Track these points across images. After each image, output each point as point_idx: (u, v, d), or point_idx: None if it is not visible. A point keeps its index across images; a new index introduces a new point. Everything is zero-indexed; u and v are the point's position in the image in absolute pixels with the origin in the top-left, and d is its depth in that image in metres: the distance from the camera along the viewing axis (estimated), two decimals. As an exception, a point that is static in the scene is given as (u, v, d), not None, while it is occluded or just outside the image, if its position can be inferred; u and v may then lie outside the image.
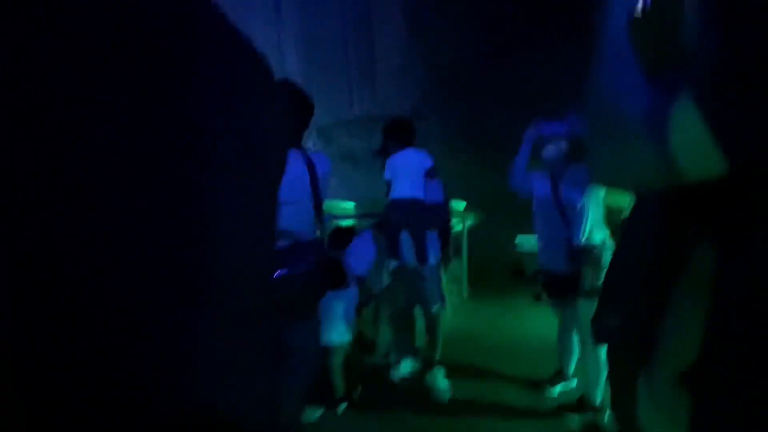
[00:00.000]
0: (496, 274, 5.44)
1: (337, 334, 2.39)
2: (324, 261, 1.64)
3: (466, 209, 5.15)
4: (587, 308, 2.25)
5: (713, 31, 0.48)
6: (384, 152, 2.77)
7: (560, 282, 2.44)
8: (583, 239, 2.31)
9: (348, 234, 2.97)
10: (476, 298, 4.81)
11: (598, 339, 1.04)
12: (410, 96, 10.10)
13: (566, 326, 2.61)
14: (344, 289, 2.27)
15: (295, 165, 1.59)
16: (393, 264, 2.77)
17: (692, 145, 0.46)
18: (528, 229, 3.04)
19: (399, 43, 9.99)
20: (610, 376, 0.87)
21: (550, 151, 2.45)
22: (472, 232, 5.09)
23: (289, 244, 1.54)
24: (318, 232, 1.64)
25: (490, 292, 4.93)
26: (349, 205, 6.41)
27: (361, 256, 2.86)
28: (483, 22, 9.15)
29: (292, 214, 1.55)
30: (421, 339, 3.11)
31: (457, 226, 4.78)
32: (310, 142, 10.06)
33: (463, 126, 9.43)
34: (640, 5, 0.62)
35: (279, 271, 1.43)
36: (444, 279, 2.94)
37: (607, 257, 2.31)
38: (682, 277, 0.62)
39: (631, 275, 0.78)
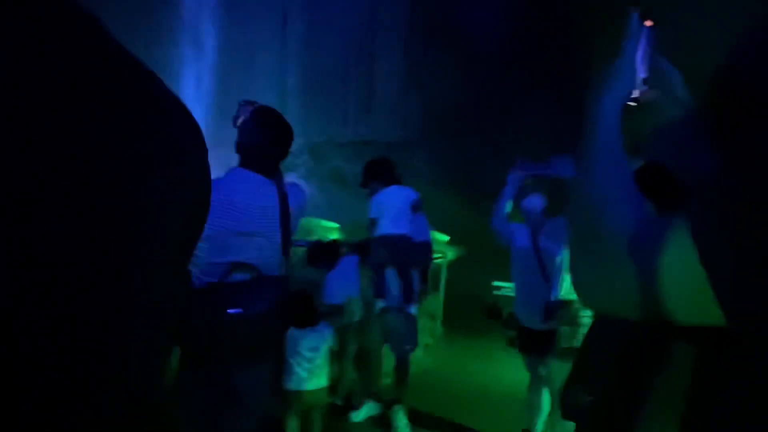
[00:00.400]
0: (472, 312, 5.38)
1: (311, 377, 2.15)
2: (288, 299, 1.52)
3: (448, 243, 5.12)
4: (560, 368, 2.18)
5: (722, 160, 0.43)
6: (368, 191, 2.78)
7: (535, 339, 2.38)
8: (561, 294, 2.27)
9: (331, 250, 2.86)
10: (450, 337, 4.72)
11: (566, 414, 0.99)
12: (402, 126, 10.30)
13: (538, 383, 2.52)
14: (311, 327, 2.13)
15: (263, 195, 1.50)
16: (380, 304, 2.69)
17: (685, 288, 0.39)
18: (507, 272, 2.99)
19: (397, 75, 10.25)
20: None
21: (529, 202, 2.44)
22: (451, 266, 5.04)
23: (250, 279, 1.43)
24: (283, 268, 1.54)
25: (463, 332, 4.84)
26: (333, 226, 6.33)
27: (343, 282, 2.77)
28: (476, 72, 9.47)
29: (256, 247, 1.46)
30: (386, 379, 3.00)
31: (438, 258, 4.74)
32: (300, 159, 10.07)
33: (451, 161, 9.60)
34: (636, 91, 0.57)
35: (232, 310, 1.35)
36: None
37: (584, 315, 2.26)
38: (660, 371, 0.57)
39: (605, 357, 0.72)
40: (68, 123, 0.32)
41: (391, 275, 2.65)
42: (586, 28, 7.89)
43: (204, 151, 0.45)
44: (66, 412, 0.31)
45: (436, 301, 4.71)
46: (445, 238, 5.15)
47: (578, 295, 0.53)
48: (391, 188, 2.68)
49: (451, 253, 5.10)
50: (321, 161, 10.15)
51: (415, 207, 2.67)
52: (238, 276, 1.42)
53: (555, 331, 2.27)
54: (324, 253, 2.84)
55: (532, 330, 2.39)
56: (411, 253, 2.63)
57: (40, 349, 0.30)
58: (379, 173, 2.72)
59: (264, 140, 1.54)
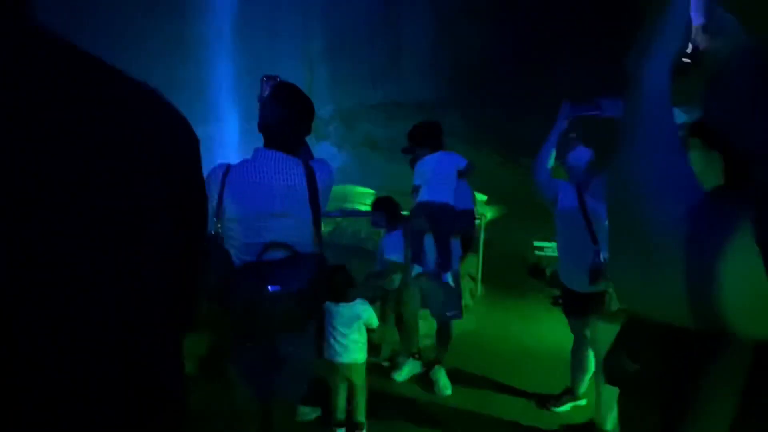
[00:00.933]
0: (513, 272, 5.29)
1: (345, 351, 2.18)
2: (323, 274, 1.53)
3: (486, 203, 4.99)
4: (607, 330, 2.10)
5: None
6: (413, 157, 2.71)
7: (581, 301, 2.28)
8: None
9: (393, 210, 2.84)
10: (490, 298, 4.67)
11: (610, 380, 0.96)
12: (433, 87, 9.91)
13: (582, 343, 2.45)
14: (346, 302, 2.16)
15: (290, 174, 1.51)
16: (417, 269, 2.66)
17: (752, 296, 0.32)
18: (548, 233, 2.88)
19: (425, 35, 9.78)
20: (621, 415, 0.81)
21: (575, 157, 2.28)
22: (489, 226, 4.93)
23: (286, 257, 1.47)
24: (317, 245, 1.55)
25: (504, 293, 4.78)
26: (368, 191, 6.31)
27: (398, 243, 2.75)
28: (508, 24, 8.86)
29: (289, 226, 1.49)
30: (424, 341, 3.02)
31: (486, 211, 4.64)
32: (332, 126, 9.99)
33: (486, 119, 9.21)
34: (691, 46, 0.45)
35: (272, 287, 1.39)
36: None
37: None
38: (711, 370, 0.50)
39: (653, 329, 0.65)
40: (68, 126, 0.35)
41: (429, 242, 2.61)
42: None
43: (197, 154, 0.49)
44: (66, 412, 0.32)
45: (475, 262, 4.65)
46: (483, 197, 5.01)
47: (618, 296, 0.45)
48: (438, 154, 2.60)
49: (489, 213, 4.98)
50: (352, 127, 10.04)
51: (463, 174, 2.59)
52: (275, 254, 1.46)
53: (602, 293, 2.15)
54: (388, 213, 2.83)
55: (578, 292, 2.29)
56: (452, 222, 2.57)
57: (41, 349, 0.31)
58: (426, 139, 2.64)
59: (286, 117, 1.53)
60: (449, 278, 2.62)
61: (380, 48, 9.91)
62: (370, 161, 9.25)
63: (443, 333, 2.82)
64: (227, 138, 9.04)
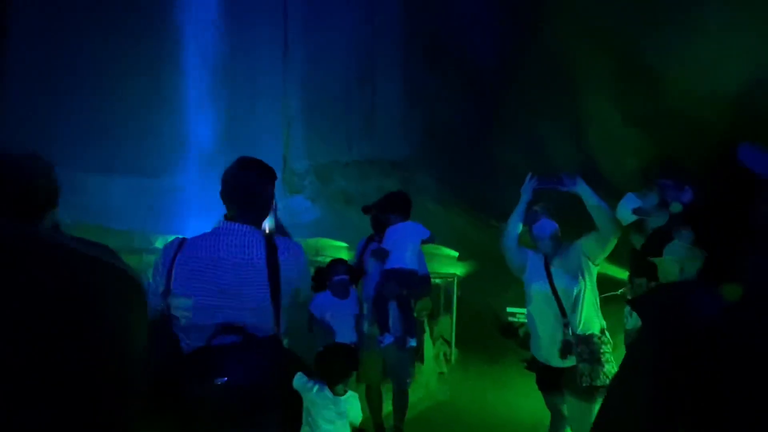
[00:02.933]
0: (486, 332, 5.20)
1: None
2: (282, 362, 1.36)
3: (458, 259, 4.99)
4: (583, 407, 2.04)
5: None
6: (378, 225, 2.85)
7: (554, 376, 2.21)
8: (579, 330, 2.13)
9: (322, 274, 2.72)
10: (464, 363, 4.53)
11: None
12: (406, 144, 10.31)
13: (559, 421, 2.33)
14: (338, 395, 1.85)
15: (248, 248, 1.37)
16: (387, 339, 2.61)
17: None
18: (520, 291, 2.85)
19: (398, 95, 10.31)
20: None
21: (540, 228, 2.30)
22: (461, 284, 4.89)
23: (238, 341, 1.29)
24: (275, 328, 1.36)
25: (478, 356, 4.66)
26: (342, 245, 6.23)
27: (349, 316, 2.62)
28: (480, 83, 9.50)
29: (244, 306, 1.33)
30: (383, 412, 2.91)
31: (453, 269, 4.60)
32: (307, 181, 10.05)
33: (456, 179, 9.52)
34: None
35: (219, 379, 1.21)
36: (428, 340, 2.79)
37: (604, 350, 2.12)
38: None
39: (637, 418, 0.61)
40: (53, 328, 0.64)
41: (393, 308, 2.65)
42: (581, 49, 7.90)
43: (143, 310, 0.79)
44: None
45: (449, 323, 4.55)
46: (455, 254, 5.01)
47: None
48: (408, 223, 2.76)
49: (460, 270, 4.97)
50: (327, 182, 10.13)
51: (425, 243, 2.77)
52: (226, 338, 1.29)
53: (574, 367, 2.09)
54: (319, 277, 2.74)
55: (551, 366, 2.22)
56: (416, 287, 2.71)
57: None
58: (398, 207, 2.80)
59: (247, 183, 1.44)
60: (414, 343, 2.67)
61: (355, 108, 10.32)
62: (344, 215, 9.25)
63: (402, 399, 2.79)
64: (203, 193, 8.91)
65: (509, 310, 5.20)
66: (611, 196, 2.35)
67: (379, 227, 2.84)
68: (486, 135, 9.36)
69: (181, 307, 1.34)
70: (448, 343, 4.52)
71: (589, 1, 7.73)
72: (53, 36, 7.70)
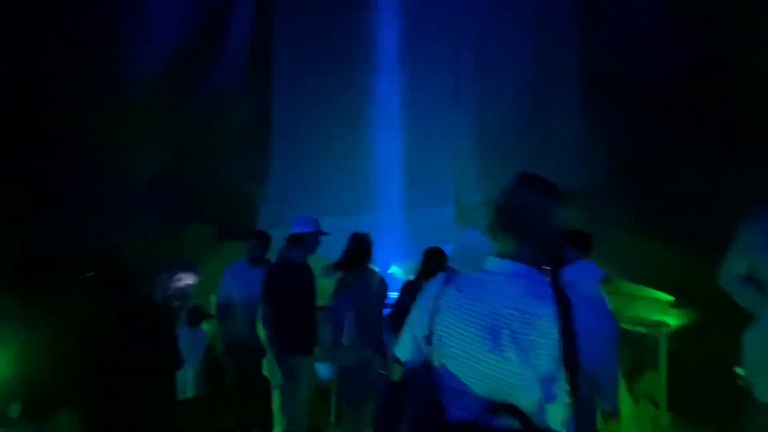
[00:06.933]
0: (710, 394, 4.13)
1: None
2: None
3: (672, 305, 4.17)
4: None
5: None
6: (558, 261, 2.78)
7: None
8: None
9: None
10: (679, 429, 3.68)
11: None
12: (585, 172, 9.37)
13: None
14: None
15: (532, 298, 1.06)
16: None
17: None
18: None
19: (575, 122, 9.56)
20: None
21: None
22: (676, 336, 4.05)
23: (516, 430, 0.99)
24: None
25: (699, 422, 3.73)
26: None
27: None
28: (663, 111, 8.13)
29: (518, 380, 1.01)
30: None
31: (662, 315, 3.92)
32: (480, 214, 10.08)
33: (648, 208, 8.17)
34: None
35: None
36: (626, 396, 2.42)
37: None
38: None
39: None
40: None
41: None
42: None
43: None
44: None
45: (657, 381, 3.79)
46: (666, 297, 4.22)
47: None
48: (586, 262, 2.70)
49: (674, 319, 4.14)
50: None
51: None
52: (499, 421, 1.00)
53: None
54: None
55: None
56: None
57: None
58: (579, 242, 2.74)
59: (522, 209, 1.16)
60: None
61: (529, 140, 10.08)
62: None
63: None
64: (390, 228, 10.12)
65: (739, 371, 4.04)
66: None
67: (556, 262, 2.70)
68: (679, 161, 7.87)
69: (441, 364, 1.07)
70: (657, 404, 3.76)
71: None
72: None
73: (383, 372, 2.47)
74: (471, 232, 9.78)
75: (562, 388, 0.97)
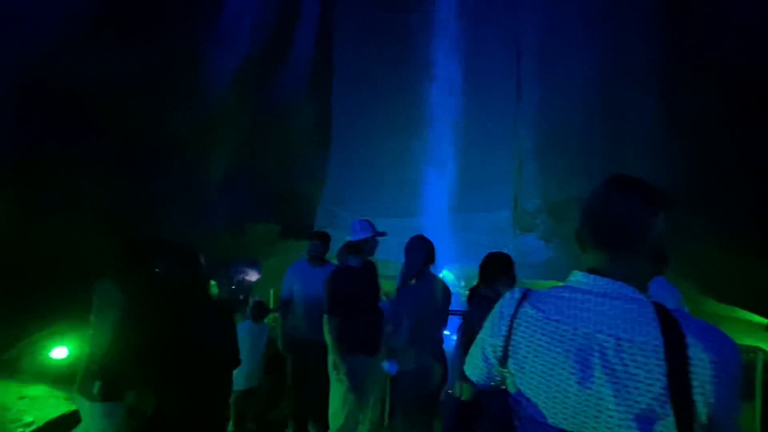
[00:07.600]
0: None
1: None
2: None
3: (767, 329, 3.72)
4: None
5: None
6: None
7: None
8: None
9: None
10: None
11: None
12: (663, 176, 8.59)
13: None
14: None
15: (631, 325, 0.84)
16: None
17: None
18: None
19: (652, 120, 8.82)
20: None
21: None
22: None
23: None
24: None
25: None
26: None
27: None
28: (755, 109, 7.17)
29: (613, 417, 0.83)
30: None
31: (755, 339, 3.51)
32: (538, 219, 9.68)
33: (738, 220, 7.25)
34: None
35: None
36: None
37: None
38: None
39: None
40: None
41: None
42: None
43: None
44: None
45: (750, 411, 3.41)
46: (763, 321, 3.74)
47: None
48: (661, 280, 2.58)
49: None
50: (561, 220, 9.48)
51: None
52: None
53: None
54: None
55: None
56: None
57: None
58: (654, 257, 2.63)
59: (616, 217, 0.93)
60: None
61: (597, 142, 9.46)
62: (579, 255, 8.39)
63: None
64: (442, 232, 10.08)
65: None
66: None
67: None
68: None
69: (521, 392, 0.93)
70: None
71: None
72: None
73: (450, 392, 2.35)
74: (528, 237, 9.47)
75: None
